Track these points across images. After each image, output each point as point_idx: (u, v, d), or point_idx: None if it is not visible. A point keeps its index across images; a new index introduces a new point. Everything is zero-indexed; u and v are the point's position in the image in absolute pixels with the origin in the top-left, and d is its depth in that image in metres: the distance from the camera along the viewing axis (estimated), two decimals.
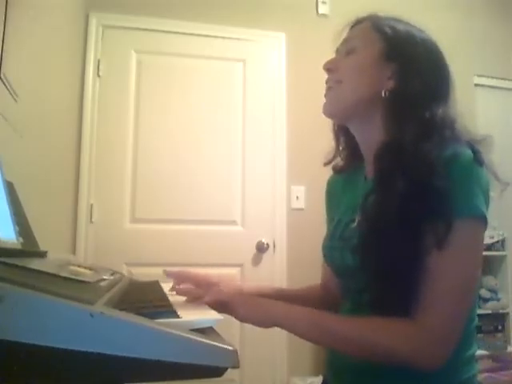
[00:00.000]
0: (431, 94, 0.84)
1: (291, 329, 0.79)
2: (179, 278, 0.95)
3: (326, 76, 0.93)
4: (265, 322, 0.80)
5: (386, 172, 0.81)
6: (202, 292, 0.87)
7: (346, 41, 0.93)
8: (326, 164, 1.02)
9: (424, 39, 0.89)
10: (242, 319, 0.78)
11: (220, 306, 0.79)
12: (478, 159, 0.76)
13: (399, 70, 0.85)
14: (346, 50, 0.91)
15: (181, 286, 0.94)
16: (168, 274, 0.96)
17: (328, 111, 0.92)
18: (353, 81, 0.88)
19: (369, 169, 0.92)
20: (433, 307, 0.73)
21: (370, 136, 0.89)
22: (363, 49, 0.89)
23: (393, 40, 0.87)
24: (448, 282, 0.73)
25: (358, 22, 0.94)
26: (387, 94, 0.85)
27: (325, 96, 0.92)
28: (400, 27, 0.89)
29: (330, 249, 0.95)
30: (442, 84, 0.87)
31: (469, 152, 0.76)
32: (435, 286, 0.73)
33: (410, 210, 0.74)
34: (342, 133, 0.99)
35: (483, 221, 0.76)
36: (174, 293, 0.91)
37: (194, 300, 0.86)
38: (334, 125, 1.00)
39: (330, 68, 0.92)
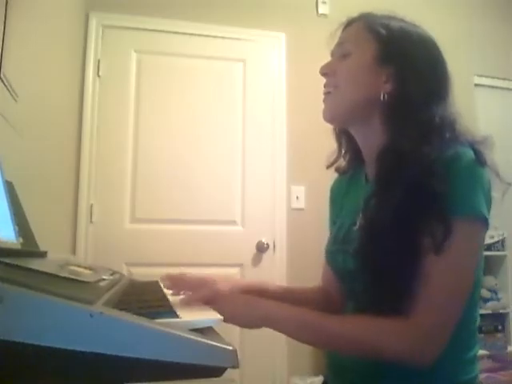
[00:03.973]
0: (430, 94, 0.83)
1: (281, 328, 0.79)
2: (174, 283, 0.92)
3: None
4: (252, 322, 0.80)
5: (385, 175, 0.81)
6: (194, 286, 0.86)
7: (340, 43, 0.92)
8: (328, 167, 1.02)
9: (420, 36, 0.88)
10: (228, 318, 0.74)
11: (207, 303, 0.78)
12: (479, 159, 0.76)
13: (396, 73, 0.84)
14: (341, 53, 0.90)
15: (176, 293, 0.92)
16: (162, 280, 0.94)
17: (327, 117, 0.92)
18: (350, 86, 0.88)
19: (370, 171, 0.92)
20: (425, 307, 0.73)
21: (371, 139, 0.89)
22: (358, 52, 0.88)
23: (388, 41, 0.86)
24: (442, 285, 0.73)
25: (351, 23, 0.93)
26: (386, 97, 0.84)
27: (323, 101, 0.92)
28: (394, 25, 0.88)
29: (333, 253, 0.95)
30: (441, 83, 0.86)
31: (470, 152, 0.76)
32: (429, 288, 0.73)
33: (407, 213, 0.74)
34: (344, 136, 0.98)
35: (483, 221, 0.75)
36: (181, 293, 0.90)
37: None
38: (334, 128, 0.99)
39: (326, 72, 0.92)
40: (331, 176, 1.07)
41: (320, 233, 1.05)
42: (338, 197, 1.04)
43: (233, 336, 2.30)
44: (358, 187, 0.96)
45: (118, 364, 0.46)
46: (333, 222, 1.03)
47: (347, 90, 0.88)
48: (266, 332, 0.81)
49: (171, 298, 0.79)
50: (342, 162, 1.02)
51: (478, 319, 0.85)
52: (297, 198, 2.62)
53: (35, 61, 1.41)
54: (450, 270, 0.73)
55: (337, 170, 1.03)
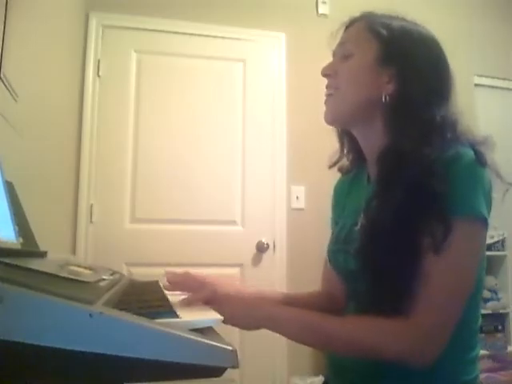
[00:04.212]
0: (432, 95, 0.83)
1: (280, 330, 0.79)
2: (174, 285, 0.93)
3: None
4: (251, 323, 0.80)
5: (386, 175, 0.81)
6: (194, 287, 0.87)
7: (341, 43, 0.92)
8: (330, 167, 1.01)
9: (422, 35, 0.87)
10: (228, 319, 0.74)
11: (207, 304, 0.78)
12: (480, 160, 0.76)
13: (398, 74, 0.84)
14: (343, 53, 0.90)
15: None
16: (168, 273, 0.95)
17: (329, 119, 0.92)
18: (351, 87, 0.87)
19: (372, 171, 0.92)
20: (425, 307, 0.73)
21: (372, 140, 0.89)
22: (359, 53, 0.87)
23: (389, 41, 0.85)
24: (442, 285, 0.73)
25: (353, 23, 0.93)
26: (387, 98, 0.84)
27: (325, 103, 0.91)
28: (395, 25, 0.87)
29: (335, 252, 0.95)
30: (443, 82, 0.86)
31: (471, 153, 0.76)
32: (429, 288, 0.73)
33: (408, 213, 0.74)
34: (346, 136, 0.98)
35: (483, 222, 0.76)
36: (178, 293, 0.90)
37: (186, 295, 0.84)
38: (337, 129, 0.99)
39: (328, 73, 0.91)
40: (331, 176, 1.07)
41: (320, 233, 1.05)
42: (341, 197, 1.04)
43: (233, 336, 2.28)
44: (360, 187, 0.96)
45: (118, 364, 0.46)
46: (335, 222, 1.03)
47: (349, 91, 0.87)
48: (266, 332, 0.81)
49: (171, 298, 0.79)
50: (345, 162, 1.01)
51: (480, 320, 0.85)
52: (297, 198, 2.61)
53: (35, 61, 1.41)
54: (450, 270, 0.73)
55: (339, 169, 1.03)
